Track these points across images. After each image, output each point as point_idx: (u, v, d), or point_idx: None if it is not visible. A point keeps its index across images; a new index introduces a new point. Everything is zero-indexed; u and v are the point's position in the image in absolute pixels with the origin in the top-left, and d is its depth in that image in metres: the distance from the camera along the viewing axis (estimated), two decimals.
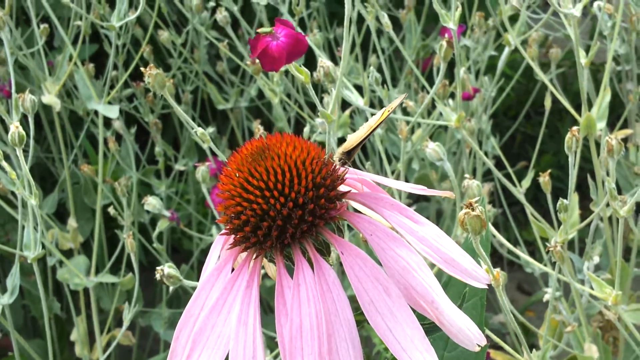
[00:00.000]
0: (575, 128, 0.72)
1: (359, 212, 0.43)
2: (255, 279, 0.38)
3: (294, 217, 0.37)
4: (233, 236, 0.39)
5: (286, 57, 0.54)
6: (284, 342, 0.37)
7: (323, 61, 0.77)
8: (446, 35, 0.77)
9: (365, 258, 0.38)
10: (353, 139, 0.41)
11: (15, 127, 0.78)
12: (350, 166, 0.42)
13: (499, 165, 1.36)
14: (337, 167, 0.39)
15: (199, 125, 1.50)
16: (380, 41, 1.55)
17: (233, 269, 0.40)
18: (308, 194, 0.37)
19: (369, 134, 0.41)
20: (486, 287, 0.41)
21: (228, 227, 0.38)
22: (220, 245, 0.41)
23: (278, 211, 0.37)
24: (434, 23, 1.79)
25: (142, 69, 0.66)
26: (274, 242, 0.37)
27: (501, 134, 1.71)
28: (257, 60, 0.58)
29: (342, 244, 0.38)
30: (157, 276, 0.66)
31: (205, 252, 1.63)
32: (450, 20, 0.72)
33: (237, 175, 0.37)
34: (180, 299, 1.66)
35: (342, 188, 0.40)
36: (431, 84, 0.92)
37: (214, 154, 1.41)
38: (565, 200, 0.72)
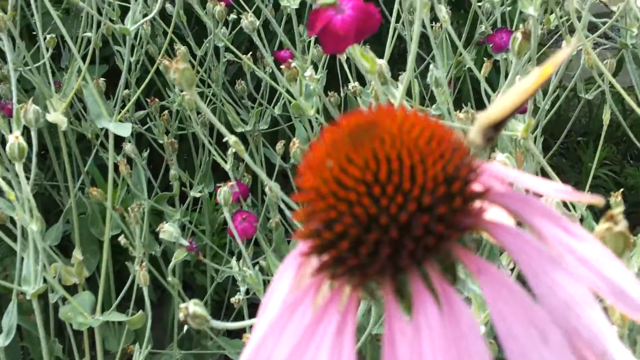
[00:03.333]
0: None
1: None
2: (349, 323, 0.25)
3: (415, 226, 0.24)
4: (316, 257, 0.26)
5: (354, 35, 0.42)
6: None
7: (376, 60, 0.65)
8: (521, 25, 0.66)
9: (513, 289, 0.25)
10: (501, 108, 0.28)
11: (15, 138, 0.66)
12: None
13: None
14: (475, 152, 0.27)
15: (215, 150, 1.39)
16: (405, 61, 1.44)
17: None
18: (437, 191, 0.24)
19: (526, 100, 0.29)
20: None
21: (313, 243, 0.26)
22: (292, 271, 0.29)
23: (392, 217, 0.24)
24: (464, 45, 1.69)
25: (166, 62, 0.54)
26: (384, 265, 0.25)
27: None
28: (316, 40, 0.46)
29: (482, 268, 0.25)
30: (181, 316, 0.54)
31: (221, 287, 1.50)
32: (530, 4, 0.60)
33: (330, 164, 0.25)
34: (192, 339, 1.53)
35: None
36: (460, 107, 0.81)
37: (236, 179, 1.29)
38: None
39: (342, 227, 0.24)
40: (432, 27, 1.40)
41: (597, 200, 0.35)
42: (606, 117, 1.07)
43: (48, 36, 1.07)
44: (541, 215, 0.28)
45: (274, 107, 1.37)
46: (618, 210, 0.37)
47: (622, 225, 0.37)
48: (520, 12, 1.24)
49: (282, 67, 0.76)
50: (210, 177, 1.45)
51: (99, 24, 1.14)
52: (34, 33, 1.16)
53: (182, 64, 0.53)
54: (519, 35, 0.63)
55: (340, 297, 0.26)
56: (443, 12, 0.73)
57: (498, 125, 0.28)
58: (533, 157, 1.21)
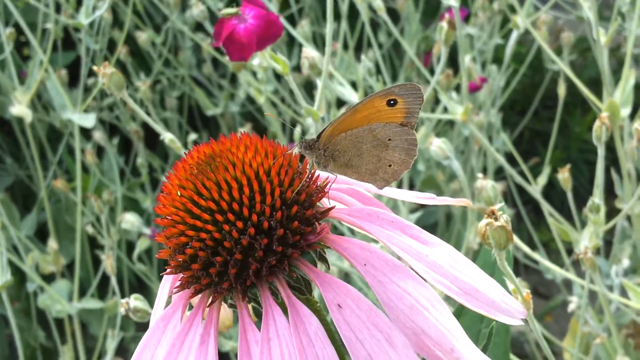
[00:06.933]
0: (604, 114, 0.61)
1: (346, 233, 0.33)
2: (211, 333, 0.28)
3: (257, 248, 0.27)
4: (181, 276, 0.29)
5: (257, 43, 0.44)
6: None
7: (307, 52, 0.67)
8: (447, 15, 0.68)
9: (358, 298, 0.28)
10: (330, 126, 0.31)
11: None
12: (317, 155, 0.31)
13: (510, 162, 1.26)
14: (313, 175, 0.29)
15: (187, 133, 1.40)
16: (377, 36, 1.45)
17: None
18: (276, 215, 0.27)
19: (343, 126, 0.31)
20: (521, 322, 0.32)
21: (172, 263, 0.28)
22: (168, 286, 0.31)
23: (235, 240, 0.27)
24: (431, 18, 1.70)
25: (94, 67, 0.56)
26: (233, 282, 0.27)
27: (508, 130, 1.61)
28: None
29: (326, 281, 0.28)
30: (122, 310, 0.56)
31: None
32: None
33: (179, 193, 0.27)
34: None
35: (324, 203, 0.30)
36: (433, 76, 0.83)
37: None
38: (596, 200, 0.62)
39: (192, 250, 0.27)
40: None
41: (463, 202, 0.37)
42: (561, 91, 1.09)
43: (7, 30, 1.08)
44: (389, 226, 0.30)
45: (241, 90, 1.38)
46: (498, 206, 0.39)
47: (503, 220, 0.39)
48: None
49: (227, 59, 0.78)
50: None
51: (58, 11, 1.15)
52: None
53: (110, 68, 0.55)
54: (444, 25, 0.64)
55: (202, 310, 0.29)
56: (378, 1, 0.74)
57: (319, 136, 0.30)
58: (498, 133, 1.23)
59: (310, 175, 0.28)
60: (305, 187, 0.28)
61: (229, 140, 0.28)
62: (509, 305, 0.31)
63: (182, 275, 0.29)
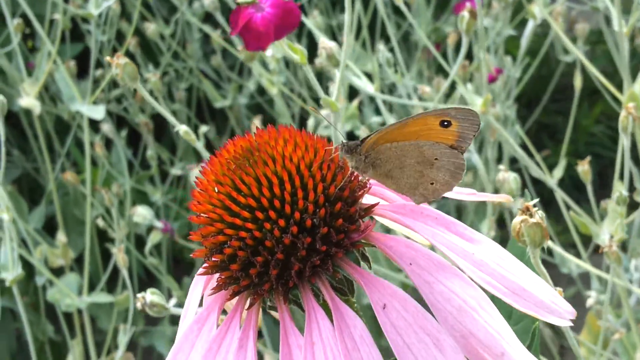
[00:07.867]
0: (631, 105, 0.60)
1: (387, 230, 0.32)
2: (250, 336, 0.27)
3: (300, 247, 0.25)
4: (217, 276, 0.28)
5: (274, 32, 0.43)
6: None
7: (325, 42, 0.65)
8: (468, 4, 0.66)
9: (405, 299, 0.26)
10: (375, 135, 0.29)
11: None
12: (357, 159, 0.29)
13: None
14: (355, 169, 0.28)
15: (195, 126, 1.39)
16: (385, 29, 1.44)
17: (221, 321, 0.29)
18: (319, 213, 0.25)
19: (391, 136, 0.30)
20: (571, 323, 0.30)
21: (208, 263, 0.27)
22: (201, 287, 0.30)
23: (277, 239, 0.25)
24: (442, 10, 1.68)
25: (108, 58, 0.55)
26: (274, 283, 0.26)
27: (518, 122, 1.59)
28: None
29: (371, 281, 0.26)
30: (138, 305, 0.55)
31: None
32: None
33: (217, 190, 0.26)
34: None
35: (366, 200, 0.28)
36: (445, 69, 0.81)
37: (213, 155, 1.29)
38: (624, 192, 0.61)
39: (231, 250, 0.25)
40: None
41: (504, 197, 0.36)
42: (577, 82, 1.07)
43: (15, 21, 1.06)
44: (434, 223, 0.29)
45: (250, 82, 1.36)
46: (533, 202, 0.37)
47: (538, 216, 0.38)
48: None
49: (240, 48, 0.76)
50: (192, 154, 1.46)
51: (67, 3, 1.13)
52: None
53: (123, 59, 0.53)
54: (465, 14, 0.63)
55: (240, 313, 0.28)
56: None
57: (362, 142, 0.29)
58: (513, 125, 1.21)
59: (353, 171, 0.27)
60: (348, 183, 0.26)
61: (266, 133, 0.27)
62: (558, 306, 0.29)
63: (218, 277, 0.27)
